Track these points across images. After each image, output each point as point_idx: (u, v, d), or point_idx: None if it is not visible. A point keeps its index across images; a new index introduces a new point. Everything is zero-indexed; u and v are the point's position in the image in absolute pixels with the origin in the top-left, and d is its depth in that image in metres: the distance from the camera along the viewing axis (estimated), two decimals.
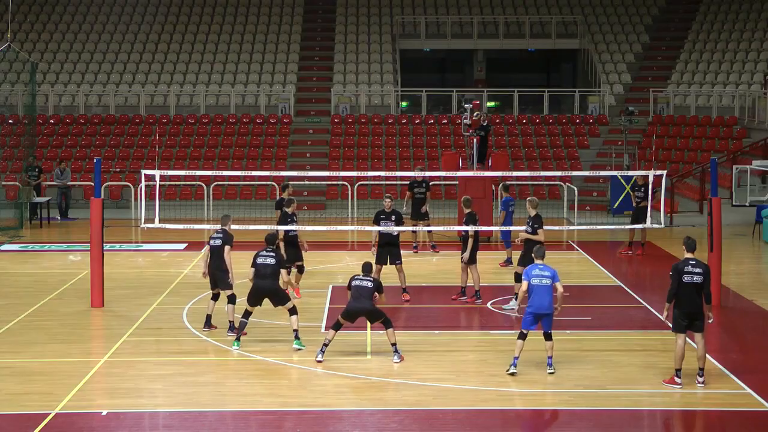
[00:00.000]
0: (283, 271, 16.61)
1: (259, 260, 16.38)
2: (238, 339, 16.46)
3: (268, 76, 41.79)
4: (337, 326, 15.79)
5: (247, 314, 16.49)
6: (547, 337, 15.15)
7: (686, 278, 14.41)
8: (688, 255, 14.60)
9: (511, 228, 22.37)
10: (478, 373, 15.20)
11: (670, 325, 14.64)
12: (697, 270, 14.44)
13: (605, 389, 14.48)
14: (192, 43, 43.46)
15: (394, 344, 15.79)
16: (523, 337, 15.07)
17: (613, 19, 45.09)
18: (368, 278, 15.77)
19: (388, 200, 20.18)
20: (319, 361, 15.57)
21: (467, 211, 19.73)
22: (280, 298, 16.42)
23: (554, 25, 44.24)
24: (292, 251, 19.74)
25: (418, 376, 15.00)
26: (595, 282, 22.20)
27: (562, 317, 18.50)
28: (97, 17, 44.64)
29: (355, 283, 15.73)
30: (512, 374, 14.88)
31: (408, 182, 26.45)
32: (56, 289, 21.28)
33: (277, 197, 23.75)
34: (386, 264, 19.91)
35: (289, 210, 19.80)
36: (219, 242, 17.31)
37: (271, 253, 16.43)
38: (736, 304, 20.17)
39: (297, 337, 16.31)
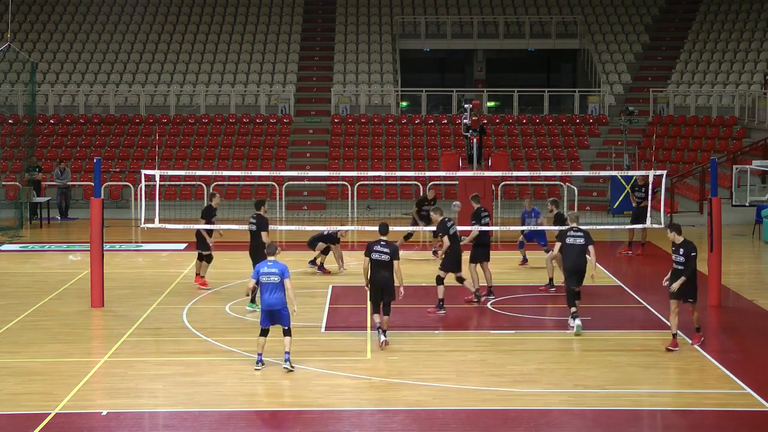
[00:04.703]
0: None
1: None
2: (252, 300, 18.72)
3: (268, 76, 41.79)
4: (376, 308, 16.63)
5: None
6: (286, 332, 15.16)
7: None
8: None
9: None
10: (478, 373, 15.19)
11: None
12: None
13: (605, 389, 14.46)
14: (192, 43, 43.45)
15: (384, 330, 16.51)
16: (264, 333, 15.26)
17: (613, 19, 45.08)
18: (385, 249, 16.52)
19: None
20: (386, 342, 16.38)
21: (477, 206, 20.31)
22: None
23: (554, 25, 44.23)
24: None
25: (418, 376, 14.99)
26: (595, 282, 22.14)
27: (563, 317, 18.50)
28: (97, 17, 44.64)
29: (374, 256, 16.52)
30: (257, 371, 15.10)
31: (417, 199, 26.69)
32: (56, 289, 21.27)
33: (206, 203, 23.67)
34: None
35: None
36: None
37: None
38: (736, 304, 20.15)
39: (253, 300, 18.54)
